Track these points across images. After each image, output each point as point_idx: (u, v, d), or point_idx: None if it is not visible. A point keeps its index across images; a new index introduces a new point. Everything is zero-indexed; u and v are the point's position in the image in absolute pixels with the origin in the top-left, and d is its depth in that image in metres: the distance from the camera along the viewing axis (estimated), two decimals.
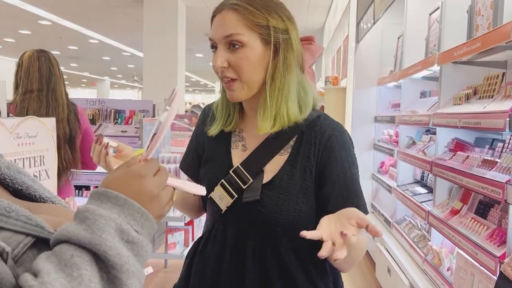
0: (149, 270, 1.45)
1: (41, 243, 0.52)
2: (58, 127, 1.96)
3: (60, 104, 2.11)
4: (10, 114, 2.11)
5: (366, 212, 0.95)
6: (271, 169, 0.98)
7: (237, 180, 0.98)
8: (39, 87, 2.08)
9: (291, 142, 0.99)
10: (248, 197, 0.97)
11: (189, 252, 1.10)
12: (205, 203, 1.08)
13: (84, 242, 0.49)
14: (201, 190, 0.70)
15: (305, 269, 0.98)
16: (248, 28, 0.92)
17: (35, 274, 0.46)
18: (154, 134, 0.65)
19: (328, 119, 1.03)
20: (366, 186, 4.21)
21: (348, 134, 1.02)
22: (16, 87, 2.12)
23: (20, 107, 2.05)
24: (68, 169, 2.16)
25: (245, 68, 0.93)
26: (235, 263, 0.98)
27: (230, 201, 0.98)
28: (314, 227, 0.76)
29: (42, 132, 1.52)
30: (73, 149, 2.15)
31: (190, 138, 1.18)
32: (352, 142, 1.02)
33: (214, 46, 0.96)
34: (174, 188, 0.65)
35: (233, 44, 0.92)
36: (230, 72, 0.94)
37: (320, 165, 0.97)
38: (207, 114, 1.12)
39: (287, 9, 0.98)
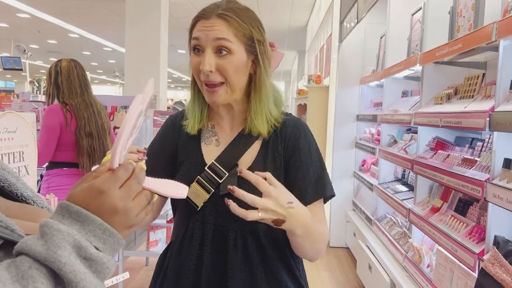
0: (126, 275, 1.43)
1: (10, 246, 0.51)
2: (103, 122, 2.64)
3: (97, 103, 2.65)
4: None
5: (326, 192, 1.05)
6: (245, 161, 1.05)
7: (213, 175, 1.03)
8: (81, 91, 2.58)
9: (260, 136, 1.07)
10: (225, 189, 1.01)
11: (159, 261, 1.13)
12: (175, 207, 1.11)
13: (39, 258, 0.48)
14: (182, 191, 0.65)
15: (284, 256, 1.06)
16: (236, 37, 0.98)
17: None
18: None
19: (291, 116, 1.12)
20: (348, 183, 4.25)
21: (307, 127, 1.11)
22: (58, 90, 2.56)
23: (75, 107, 2.53)
24: None
25: (231, 73, 0.98)
26: (217, 256, 1.01)
27: (206, 196, 1.02)
28: None
29: (22, 127, 1.48)
30: (110, 138, 2.74)
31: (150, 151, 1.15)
32: (311, 133, 1.11)
33: (197, 48, 0.99)
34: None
35: (220, 50, 0.97)
36: (217, 76, 0.98)
37: (286, 153, 1.06)
38: (173, 123, 1.15)
39: (260, 21, 1.06)
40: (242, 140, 1.06)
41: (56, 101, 2.60)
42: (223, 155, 1.05)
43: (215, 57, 0.97)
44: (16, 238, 0.51)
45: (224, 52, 0.97)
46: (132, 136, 0.62)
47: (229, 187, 0.86)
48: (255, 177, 0.86)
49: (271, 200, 0.86)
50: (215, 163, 1.03)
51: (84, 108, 2.57)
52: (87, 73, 2.82)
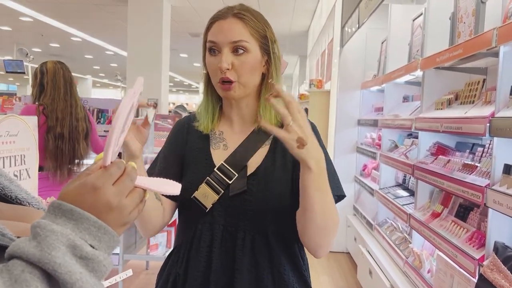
0: (129, 273, 1.43)
1: (1, 250, 0.50)
2: (78, 124, 2.61)
3: (78, 105, 2.65)
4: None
5: (333, 189, 1.00)
6: (254, 162, 1.06)
7: (222, 176, 1.03)
8: (65, 91, 2.59)
9: (270, 137, 1.09)
10: (235, 190, 1.03)
11: (163, 267, 1.13)
12: (181, 210, 1.11)
13: (33, 260, 0.47)
14: (174, 188, 0.63)
15: (293, 255, 1.06)
16: (252, 36, 1.03)
17: None
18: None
19: None
20: (349, 188, 4.25)
21: (315, 127, 1.12)
22: (41, 90, 2.58)
23: (50, 107, 2.53)
24: (82, 160, 2.67)
25: (246, 71, 1.02)
26: (226, 257, 1.02)
27: (216, 197, 1.03)
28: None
29: (24, 131, 1.49)
30: (88, 143, 2.70)
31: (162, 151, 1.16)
32: (318, 133, 1.11)
33: (213, 49, 1.03)
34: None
35: (237, 49, 1.01)
36: (232, 74, 1.02)
37: None
38: (182, 127, 1.16)
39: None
40: (251, 142, 1.07)
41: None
42: (233, 156, 1.06)
43: (232, 56, 1.01)
44: (7, 243, 0.50)
45: (241, 51, 1.01)
46: (124, 132, 0.61)
47: (270, 81, 0.87)
48: (288, 96, 0.84)
49: (301, 117, 0.85)
50: (224, 164, 1.04)
51: (61, 109, 2.55)
52: (89, 76, 2.84)
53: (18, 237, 0.52)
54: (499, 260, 1.34)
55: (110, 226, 0.54)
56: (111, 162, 0.56)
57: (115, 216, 0.55)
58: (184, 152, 1.12)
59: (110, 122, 4.18)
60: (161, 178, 0.63)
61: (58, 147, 2.53)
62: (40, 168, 2.48)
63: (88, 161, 2.74)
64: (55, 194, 2.47)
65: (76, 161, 2.64)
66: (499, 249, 1.40)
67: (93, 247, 0.52)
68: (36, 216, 0.64)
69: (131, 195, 0.57)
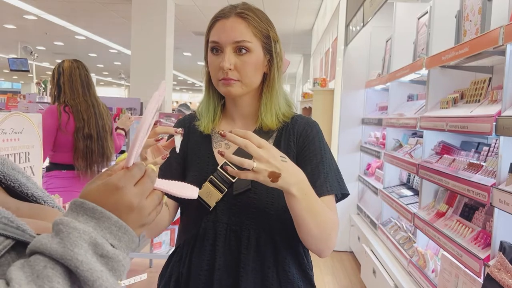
0: (143, 276, 1.42)
1: (21, 247, 0.50)
2: (104, 123, 2.63)
3: (100, 104, 2.65)
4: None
5: (336, 188, 1.02)
6: None
7: (226, 174, 1.02)
8: (83, 91, 2.57)
9: (274, 135, 1.08)
10: (239, 188, 1.02)
11: (165, 266, 1.13)
12: (183, 209, 1.12)
13: (56, 256, 0.48)
14: (192, 192, 0.65)
15: (297, 254, 1.06)
16: (255, 36, 1.02)
17: (8, 282, 0.45)
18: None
19: (302, 115, 1.15)
20: (352, 187, 4.23)
21: (318, 125, 1.13)
22: (59, 91, 2.57)
23: (75, 108, 2.52)
24: (112, 156, 2.69)
25: (248, 71, 1.02)
26: (230, 256, 1.01)
27: (219, 195, 1.02)
28: None
29: (28, 128, 1.49)
30: (113, 139, 2.75)
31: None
32: (321, 132, 1.13)
33: (216, 49, 1.03)
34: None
35: (240, 49, 1.01)
36: (234, 74, 1.02)
37: (297, 149, 1.07)
38: (183, 125, 1.15)
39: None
40: None
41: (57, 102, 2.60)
42: (236, 154, 1.04)
43: (234, 56, 1.01)
44: (27, 239, 0.51)
45: (244, 51, 1.01)
46: (146, 135, 0.63)
47: (218, 150, 0.85)
48: (243, 141, 0.83)
49: (264, 152, 0.84)
50: (228, 162, 1.02)
51: (84, 109, 2.55)
52: (93, 74, 2.84)
53: (37, 234, 0.52)
54: (506, 260, 1.33)
55: (129, 226, 0.55)
56: (133, 164, 0.58)
57: (135, 217, 0.56)
58: (186, 150, 1.12)
59: (114, 120, 4.18)
60: (179, 182, 0.65)
61: (88, 147, 2.54)
62: (71, 167, 2.57)
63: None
64: (60, 193, 2.47)
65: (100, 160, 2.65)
66: (506, 248, 1.39)
67: (113, 246, 0.52)
68: (52, 214, 0.65)
69: (150, 196, 0.58)
